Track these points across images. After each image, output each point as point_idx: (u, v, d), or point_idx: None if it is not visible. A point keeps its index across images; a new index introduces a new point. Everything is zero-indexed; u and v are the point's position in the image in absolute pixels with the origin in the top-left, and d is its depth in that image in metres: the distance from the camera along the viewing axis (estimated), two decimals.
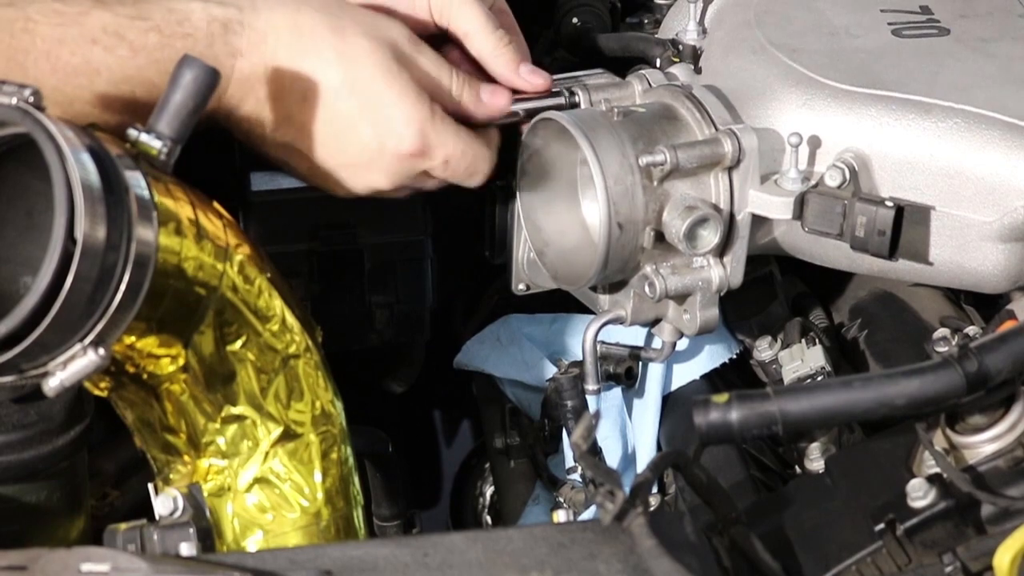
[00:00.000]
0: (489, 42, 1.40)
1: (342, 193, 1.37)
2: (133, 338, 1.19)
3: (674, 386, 1.53)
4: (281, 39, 1.30)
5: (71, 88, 1.24)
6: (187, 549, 1.17)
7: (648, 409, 1.52)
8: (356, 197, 1.38)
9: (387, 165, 1.34)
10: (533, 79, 1.41)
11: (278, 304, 1.27)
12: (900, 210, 1.34)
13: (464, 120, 1.38)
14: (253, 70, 1.29)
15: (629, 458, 1.51)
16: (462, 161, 1.36)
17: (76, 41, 1.24)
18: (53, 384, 1.11)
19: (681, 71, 1.46)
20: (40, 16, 1.23)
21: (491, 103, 1.40)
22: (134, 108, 1.25)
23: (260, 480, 1.27)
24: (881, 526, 1.16)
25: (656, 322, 1.44)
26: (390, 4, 1.39)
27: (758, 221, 1.38)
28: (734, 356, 1.54)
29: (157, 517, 1.23)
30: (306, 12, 1.31)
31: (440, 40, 1.42)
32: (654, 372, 1.52)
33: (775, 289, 1.55)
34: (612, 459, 1.50)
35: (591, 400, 1.47)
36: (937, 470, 1.16)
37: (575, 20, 1.69)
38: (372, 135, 1.32)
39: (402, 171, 1.35)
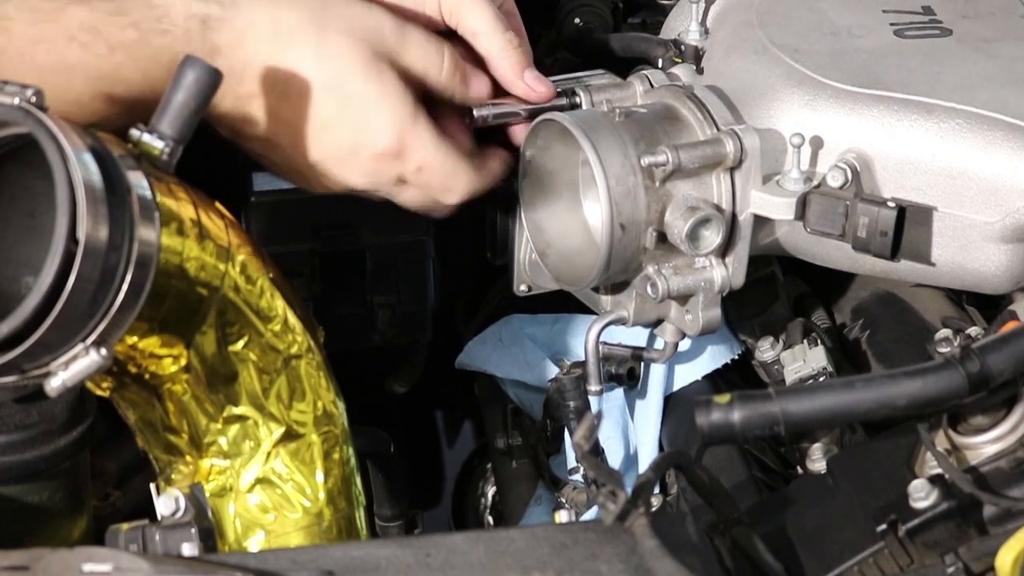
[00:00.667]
0: (497, 43, 1.40)
1: (318, 189, 1.36)
2: (135, 338, 1.19)
3: (676, 386, 1.53)
4: (261, 37, 1.29)
5: (48, 88, 1.21)
6: (189, 549, 1.17)
7: (650, 409, 1.52)
8: (333, 194, 1.37)
9: (363, 163, 1.33)
10: (536, 86, 1.41)
11: (280, 304, 1.27)
12: (902, 211, 1.34)
13: (458, 105, 1.38)
14: (232, 67, 1.28)
15: (631, 458, 1.51)
16: (437, 172, 1.34)
17: (53, 39, 1.22)
18: (55, 384, 1.11)
19: (683, 71, 1.46)
20: (17, 13, 1.22)
21: (476, 87, 1.39)
22: (112, 106, 1.24)
23: (262, 480, 1.27)
24: (883, 527, 1.16)
25: (658, 323, 1.44)
26: (397, 2, 1.39)
27: (760, 221, 1.38)
28: (736, 357, 1.54)
29: (159, 517, 1.23)
30: (286, 9, 1.30)
31: (446, 37, 1.42)
32: (656, 373, 1.52)
33: (777, 289, 1.55)
34: (614, 459, 1.50)
35: (593, 401, 1.47)
36: (939, 471, 1.16)
37: (577, 20, 1.69)
38: (350, 133, 1.31)
39: (377, 171, 1.33)
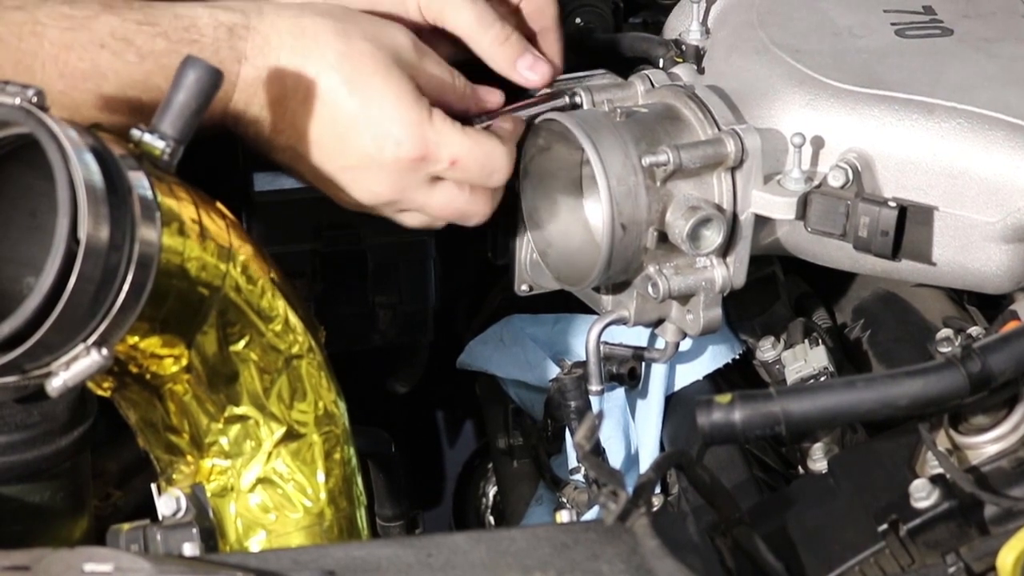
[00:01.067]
0: (484, 41, 1.40)
1: (347, 201, 1.36)
2: (136, 338, 1.19)
3: (677, 386, 1.53)
4: (284, 42, 1.30)
5: (78, 93, 1.24)
6: (190, 549, 1.17)
7: (651, 409, 1.52)
8: (362, 209, 1.37)
9: (388, 171, 1.33)
10: (531, 74, 1.41)
11: (281, 304, 1.27)
12: (903, 210, 1.34)
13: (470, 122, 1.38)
14: (258, 74, 1.29)
15: (632, 458, 1.51)
16: (473, 160, 1.34)
17: (84, 46, 1.24)
18: (56, 384, 1.11)
19: (684, 71, 1.46)
20: (49, 20, 1.23)
21: (488, 100, 1.40)
22: (141, 114, 1.24)
23: (263, 480, 1.27)
24: (884, 526, 1.16)
25: (659, 322, 1.44)
26: (376, 4, 1.38)
27: (761, 221, 1.38)
28: (737, 356, 1.54)
29: (160, 517, 1.23)
30: (310, 16, 1.31)
31: (431, 34, 1.42)
32: (657, 372, 1.51)
33: (778, 289, 1.55)
34: (615, 459, 1.50)
35: (594, 400, 1.47)
36: (940, 470, 1.16)
37: (578, 20, 1.68)
38: (371, 139, 1.32)
39: (403, 177, 1.33)
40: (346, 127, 1.31)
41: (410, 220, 1.39)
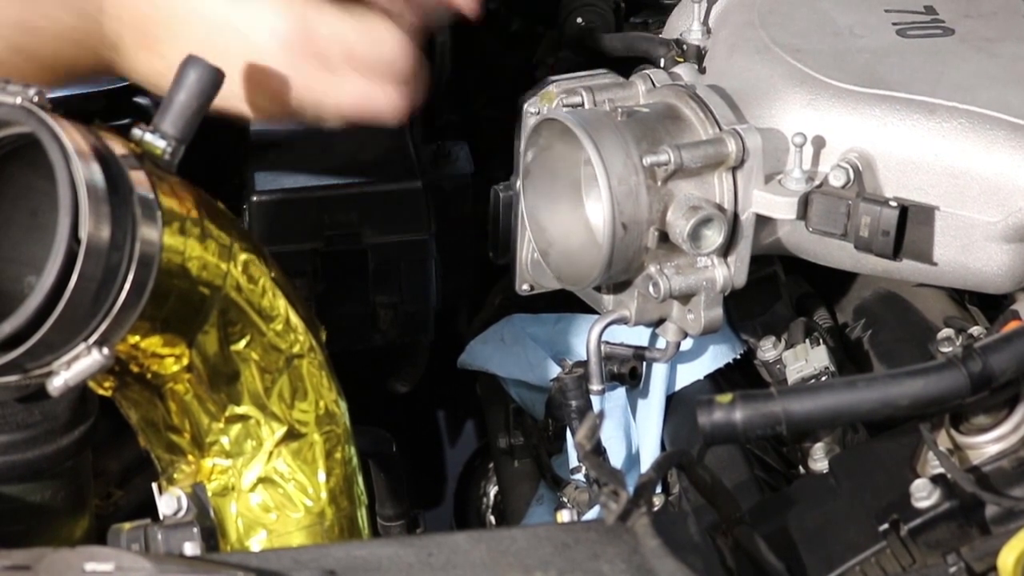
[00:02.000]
0: None
1: (262, 113, 1.31)
2: (137, 338, 1.19)
3: (678, 386, 1.53)
4: None
5: None
6: (191, 549, 1.17)
7: (652, 409, 1.52)
8: (285, 118, 1.32)
9: (278, 65, 1.28)
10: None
11: (282, 304, 1.27)
12: (904, 210, 1.34)
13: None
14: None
15: (633, 458, 1.51)
16: (363, 40, 1.29)
17: None
18: (57, 384, 1.11)
19: (685, 71, 1.46)
20: None
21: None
22: (25, 54, 1.23)
23: (264, 480, 1.27)
24: (885, 526, 1.16)
25: (660, 322, 1.44)
26: None
27: (762, 221, 1.38)
28: (738, 356, 1.54)
29: (161, 517, 1.23)
30: None
31: None
32: (658, 372, 1.52)
33: (779, 289, 1.55)
34: (616, 459, 1.50)
35: (595, 400, 1.47)
36: (941, 470, 1.16)
37: (579, 20, 1.69)
38: (251, 34, 1.28)
39: (298, 69, 1.28)
40: (225, 35, 1.28)
41: (330, 123, 1.34)
